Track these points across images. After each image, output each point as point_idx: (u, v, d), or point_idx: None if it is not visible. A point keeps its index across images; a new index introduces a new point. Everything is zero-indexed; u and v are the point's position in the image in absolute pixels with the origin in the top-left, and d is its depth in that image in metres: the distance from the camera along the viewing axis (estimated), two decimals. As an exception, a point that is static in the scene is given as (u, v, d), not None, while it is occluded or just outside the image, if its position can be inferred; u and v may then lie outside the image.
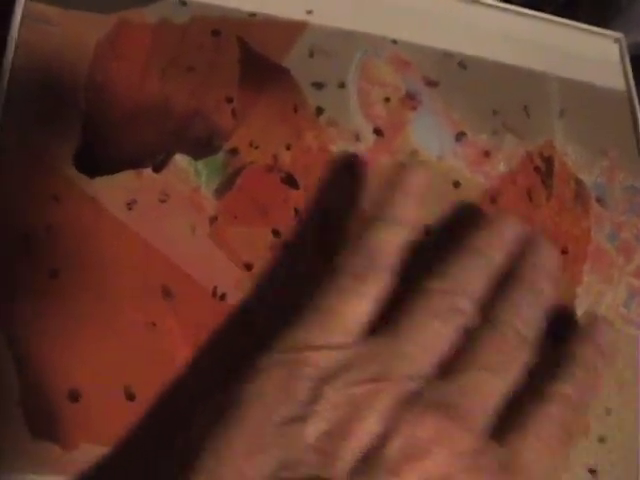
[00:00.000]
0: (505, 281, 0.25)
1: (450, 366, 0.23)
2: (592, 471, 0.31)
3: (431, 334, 0.23)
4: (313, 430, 0.20)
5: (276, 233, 0.31)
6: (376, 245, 0.25)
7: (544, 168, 0.37)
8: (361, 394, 0.21)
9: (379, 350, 0.23)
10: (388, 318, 0.24)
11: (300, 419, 0.21)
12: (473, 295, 0.25)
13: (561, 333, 0.26)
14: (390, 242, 0.25)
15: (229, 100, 0.33)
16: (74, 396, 0.27)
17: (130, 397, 0.27)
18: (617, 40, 0.42)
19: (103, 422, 0.27)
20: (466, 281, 0.25)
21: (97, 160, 0.30)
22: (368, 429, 0.21)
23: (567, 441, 0.24)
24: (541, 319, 0.25)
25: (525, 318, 0.25)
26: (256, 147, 0.32)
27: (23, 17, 0.31)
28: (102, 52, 0.32)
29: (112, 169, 0.30)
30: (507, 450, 0.22)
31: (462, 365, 0.23)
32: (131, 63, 0.33)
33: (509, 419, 0.23)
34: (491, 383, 0.23)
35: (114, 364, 0.28)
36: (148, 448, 0.27)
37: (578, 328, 0.26)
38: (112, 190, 0.30)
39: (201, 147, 0.32)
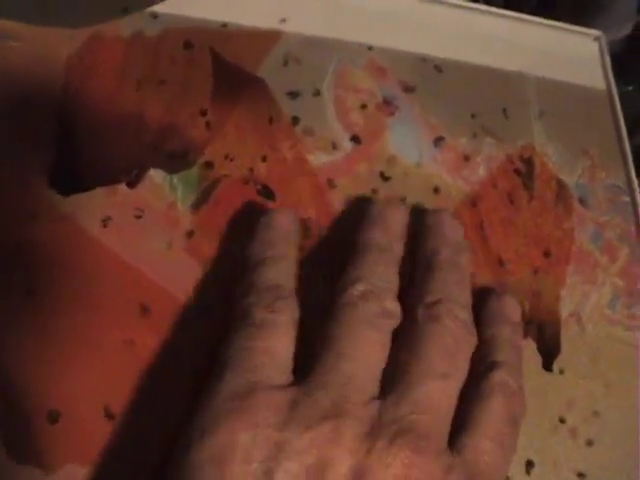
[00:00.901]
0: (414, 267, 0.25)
1: (394, 376, 0.23)
2: (581, 475, 0.31)
3: (368, 346, 0.22)
4: None
5: (253, 246, 0.30)
6: (274, 276, 0.25)
7: (525, 170, 0.36)
8: (323, 435, 0.20)
9: (322, 379, 0.22)
10: (314, 341, 0.23)
11: (266, 476, 0.20)
12: (394, 292, 0.24)
13: None
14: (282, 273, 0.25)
15: (203, 113, 0.32)
16: (53, 417, 0.26)
17: (110, 416, 0.27)
18: (597, 38, 0.42)
19: (84, 442, 0.26)
20: (383, 279, 0.24)
21: (71, 177, 0.30)
22: (341, 474, 0.20)
23: (515, 431, 0.24)
24: (469, 294, 0.25)
25: (458, 299, 0.24)
26: (231, 159, 0.32)
27: (-12, 34, 0.31)
28: (74, 67, 0.32)
29: (86, 186, 0.30)
30: (468, 458, 0.22)
31: (410, 376, 0.22)
32: (104, 78, 0.32)
33: (457, 420, 0.23)
34: (445, 389, 0.22)
35: (93, 383, 0.27)
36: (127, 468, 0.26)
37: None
38: (86, 207, 0.29)
39: (176, 161, 0.31)
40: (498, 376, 0.24)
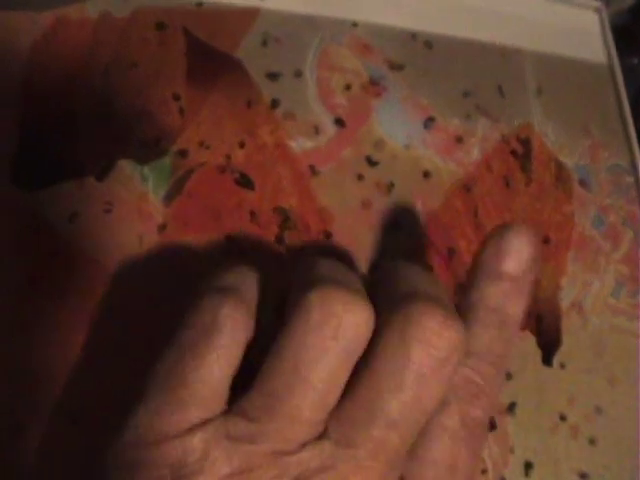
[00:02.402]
0: None
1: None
2: (583, 475, 0.29)
3: (321, 372, 0.18)
4: None
5: (230, 239, 0.28)
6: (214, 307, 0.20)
7: (522, 151, 0.34)
8: None
9: (260, 412, 0.18)
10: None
11: None
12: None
13: None
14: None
15: (176, 97, 0.30)
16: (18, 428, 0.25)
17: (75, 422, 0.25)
18: (597, 10, 0.40)
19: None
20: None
21: (35, 171, 0.28)
22: None
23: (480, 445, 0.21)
24: None
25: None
26: (207, 147, 0.30)
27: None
28: (39, 53, 0.30)
29: (51, 180, 0.28)
30: None
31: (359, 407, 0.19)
32: (71, 63, 0.30)
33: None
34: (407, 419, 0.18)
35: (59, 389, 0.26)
36: None
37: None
38: (52, 203, 0.28)
39: (147, 150, 0.29)
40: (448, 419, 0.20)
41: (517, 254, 0.21)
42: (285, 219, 0.29)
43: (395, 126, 0.33)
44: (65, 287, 0.27)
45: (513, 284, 0.21)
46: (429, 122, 0.33)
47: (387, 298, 0.20)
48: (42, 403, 0.25)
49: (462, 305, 0.22)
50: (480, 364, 0.20)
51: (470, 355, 0.20)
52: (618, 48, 0.40)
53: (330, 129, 0.32)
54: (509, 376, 0.29)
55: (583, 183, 0.34)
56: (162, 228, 0.28)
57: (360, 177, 0.31)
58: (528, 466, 0.28)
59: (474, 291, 0.21)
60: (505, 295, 0.21)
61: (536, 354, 0.30)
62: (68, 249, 0.27)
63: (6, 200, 0.27)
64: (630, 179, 0.35)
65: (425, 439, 0.20)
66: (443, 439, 0.20)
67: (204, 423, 0.18)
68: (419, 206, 0.31)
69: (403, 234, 0.31)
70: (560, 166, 0.34)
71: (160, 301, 0.27)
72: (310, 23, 0.34)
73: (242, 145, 0.30)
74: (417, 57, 0.35)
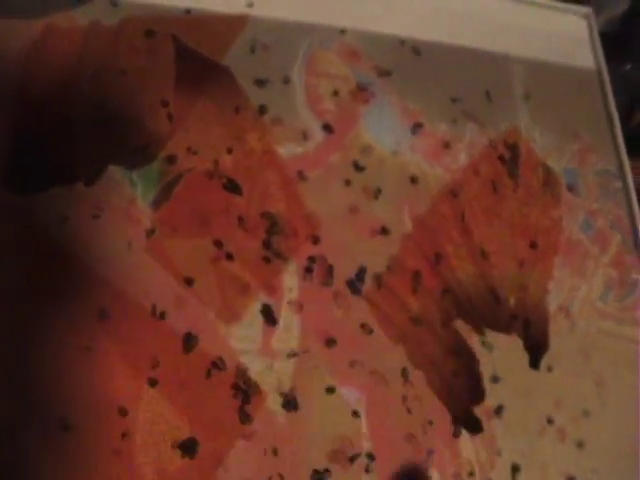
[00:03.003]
0: None
1: None
2: (570, 478, 0.29)
3: None
4: None
5: (218, 244, 0.29)
6: None
7: (509, 156, 0.34)
8: None
9: None
10: None
11: None
12: None
13: None
14: None
15: (165, 104, 0.31)
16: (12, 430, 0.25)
17: (65, 428, 0.25)
18: (586, 16, 0.40)
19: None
20: None
21: (27, 176, 0.28)
22: None
23: None
24: None
25: None
26: (195, 152, 0.30)
27: None
28: (30, 60, 0.31)
29: (42, 185, 0.28)
30: None
31: None
32: (61, 70, 0.31)
33: None
34: None
35: (49, 394, 0.26)
36: None
37: None
38: (42, 208, 0.28)
39: (136, 156, 0.30)
40: None
41: None
42: (273, 224, 0.29)
43: (383, 132, 0.33)
44: (55, 291, 0.27)
45: None
46: (417, 128, 0.33)
47: None
48: (39, 403, 0.25)
49: None
50: None
51: None
52: (610, 55, 0.40)
53: (318, 135, 0.32)
54: (496, 379, 0.29)
55: (571, 187, 0.35)
56: (150, 233, 0.28)
57: (348, 182, 0.31)
58: (515, 469, 0.28)
59: None
60: None
61: (523, 357, 0.30)
62: (60, 253, 0.27)
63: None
64: (618, 183, 0.35)
65: None
66: None
67: None
68: (406, 211, 0.31)
69: (390, 239, 0.31)
70: (548, 171, 0.35)
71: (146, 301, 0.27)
72: (298, 30, 0.34)
73: (230, 151, 0.30)
74: (405, 63, 0.35)
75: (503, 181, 0.33)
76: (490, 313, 0.30)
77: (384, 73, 0.34)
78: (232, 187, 0.30)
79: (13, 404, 0.25)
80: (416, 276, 0.30)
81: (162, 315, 0.27)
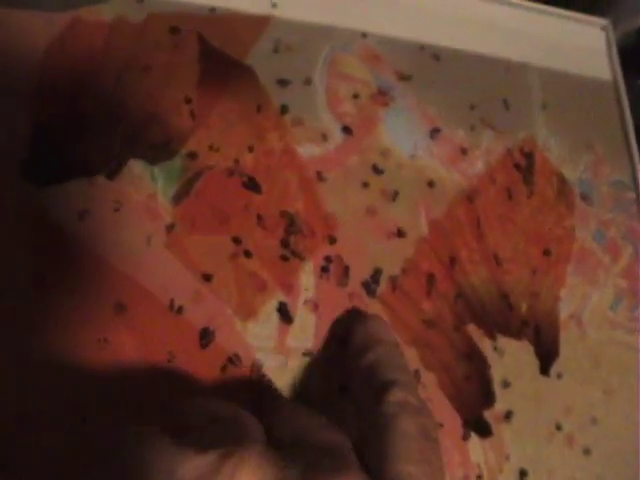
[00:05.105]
0: None
1: None
2: (577, 486, 0.29)
3: None
4: None
5: (237, 241, 0.29)
6: None
7: (525, 164, 0.35)
8: None
9: None
10: None
11: None
12: None
13: None
14: None
15: (188, 101, 0.31)
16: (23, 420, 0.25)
17: (82, 420, 0.26)
18: (604, 28, 0.40)
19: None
20: None
21: (47, 168, 0.29)
22: None
23: (436, 446, 0.22)
24: None
25: None
26: (216, 150, 0.30)
27: (-36, 18, 0.29)
28: (54, 54, 0.31)
29: (63, 177, 0.28)
30: None
31: None
32: (85, 64, 0.31)
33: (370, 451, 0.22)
34: None
35: (66, 385, 0.26)
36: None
37: None
38: (63, 200, 0.28)
39: (157, 151, 0.30)
40: (395, 396, 0.23)
41: None
42: (291, 223, 0.30)
43: (401, 136, 0.33)
44: (73, 284, 0.27)
45: None
46: (435, 133, 0.34)
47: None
48: (47, 397, 0.25)
49: None
50: None
51: None
52: (626, 69, 0.40)
53: (337, 136, 0.32)
54: (507, 384, 0.30)
55: (585, 197, 0.35)
56: (170, 228, 0.29)
57: (365, 184, 0.32)
58: (523, 474, 0.28)
59: None
60: None
61: (534, 364, 0.31)
62: (77, 246, 0.27)
63: (18, 195, 0.28)
64: (632, 195, 0.36)
65: None
66: None
67: None
68: (422, 215, 0.32)
69: (406, 241, 0.31)
70: (562, 180, 0.35)
71: (165, 296, 0.27)
72: (321, 32, 0.34)
73: (251, 149, 0.31)
74: (425, 69, 0.35)
75: (518, 188, 0.34)
76: (502, 318, 0.31)
77: (404, 78, 0.35)
78: (252, 185, 0.30)
79: (29, 395, 0.25)
80: (430, 279, 0.31)
81: (179, 310, 0.27)
